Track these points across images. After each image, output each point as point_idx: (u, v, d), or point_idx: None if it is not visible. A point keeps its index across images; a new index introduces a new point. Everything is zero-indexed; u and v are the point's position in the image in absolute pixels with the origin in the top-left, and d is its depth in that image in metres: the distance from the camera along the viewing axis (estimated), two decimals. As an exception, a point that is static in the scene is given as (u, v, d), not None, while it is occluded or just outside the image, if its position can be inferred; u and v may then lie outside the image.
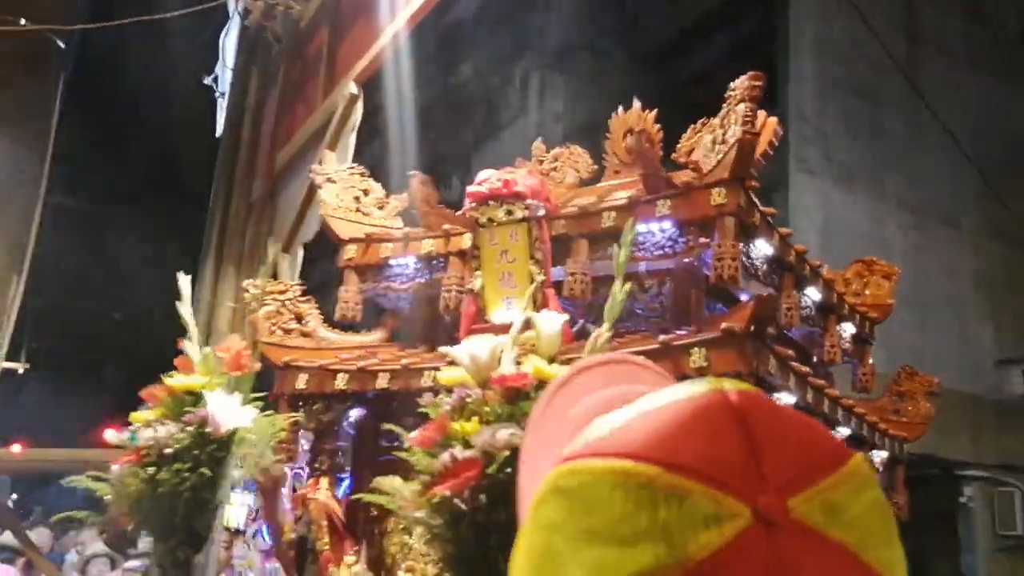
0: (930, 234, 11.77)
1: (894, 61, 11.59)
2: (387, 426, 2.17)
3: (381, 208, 3.22)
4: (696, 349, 2.20)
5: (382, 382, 2.74)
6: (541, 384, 1.77)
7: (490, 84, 14.83)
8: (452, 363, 2.61)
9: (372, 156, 13.55)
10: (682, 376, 2.20)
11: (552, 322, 1.94)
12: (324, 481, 2.87)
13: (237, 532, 7.53)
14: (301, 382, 2.89)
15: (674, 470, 0.51)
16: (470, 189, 2.71)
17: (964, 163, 11.30)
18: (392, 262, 3.03)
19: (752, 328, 2.14)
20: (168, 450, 2.08)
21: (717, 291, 2.68)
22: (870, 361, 3.48)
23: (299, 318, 3.08)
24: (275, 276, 3.88)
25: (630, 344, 2.55)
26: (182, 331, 2.42)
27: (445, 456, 1.76)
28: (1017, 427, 10.85)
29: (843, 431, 2.82)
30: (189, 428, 2.11)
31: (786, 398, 2.36)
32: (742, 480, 0.52)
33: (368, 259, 3.07)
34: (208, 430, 2.12)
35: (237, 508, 7.35)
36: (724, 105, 2.49)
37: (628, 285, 2.11)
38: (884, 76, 11.68)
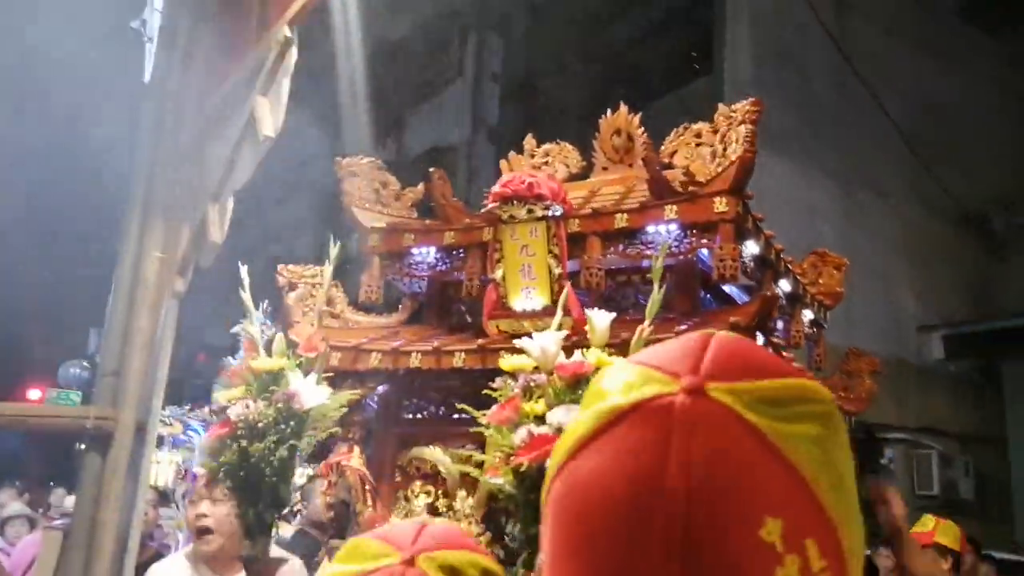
0: (858, 202, 12.51)
1: (826, 31, 12.28)
2: (461, 406, 2.61)
3: (398, 199, 3.65)
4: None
5: (415, 361, 3.19)
6: (598, 371, 2.25)
7: (428, 41, 15.09)
8: (483, 347, 3.10)
9: (309, 105, 13.73)
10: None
11: (603, 318, 2.41)
12: (356, 449, 3.31)
13: (165, 492, 7.70)
14: (335, 360, 3.32)
15: (640, 362, 0.75)
16: (495, 189, 3.16)
17: (892, 133, 12.07)
18: (414, 250, 3.47)
19: (756, 322, 2.67)
20: (260, 424, 2.51)
21: (707, 284, 3.21)
22: (823, 343, 4.08)
23: (328, 301, 3.51)
24: (202, 229, 4.01)
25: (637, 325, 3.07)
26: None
27: (522, 432, 2.23)
28: (936, 391, 11.76)
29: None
30: (279, 405, 2.55)
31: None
32: (681, 368, 0.69)
33: (391, 247, 3.50)
34: (295, 407, 2.56)
35: (164, 466, 7.56)
36: (724, 123, 2.99)
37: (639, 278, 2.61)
38: (817, 46, 12.35)
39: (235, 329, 8.70)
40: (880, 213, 12.76)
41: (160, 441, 7.45)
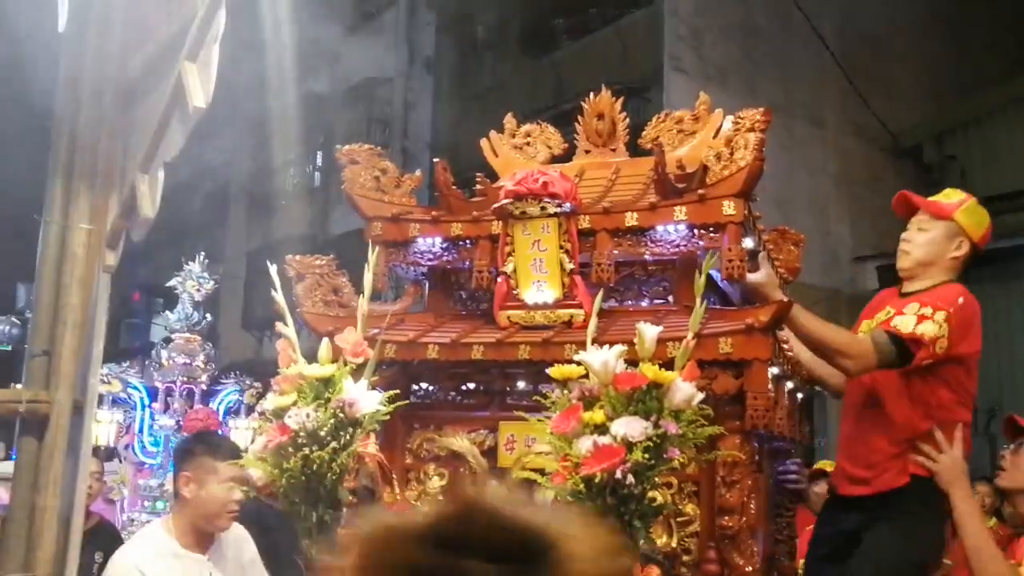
0: (796, 133, 12.86)
1: (766, -40, 12.46)
2: (537, 398, 2.77)
3: (398, 187, 3.77)
4: (724, 338, 2.95)
5: (432, 353, 3.37)
6: (654, 384, 2.46)
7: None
8: (501, 341, 3.28)
9: (235, 42, 13.47)
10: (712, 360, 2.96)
11: (651, 331, 2.61)
12: (372, 436, 3.48)
13: (108, 449, 7.84)
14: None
15: None
16: (509, 186, 3.31)
17: (830, 64, 12.38)
18: (419, 239, 3.62)
19: (771, 325, 2.91)
20: (322, 432, 2.67)
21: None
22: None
23: (335, 290, 3.64)
24: (132, 200, 3.99)
25: (640, 316, 3.29)
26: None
27: (587, 442, 2.44)
28: (870, 319, 12.31)
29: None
30: (340, 413, 2.71)
31: (775, 369, 3.17)
32: None
33: (395, 236, 3.64)
34: (356, 415, 2.73)
35: (105, 425, 7.68)
36: (732, 127, 3.19)
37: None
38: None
39: (172, 282, 8.71)
40: (817, 144, 13.13)
41: (99, 400, 7.54)
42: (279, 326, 3.01)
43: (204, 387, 8.07)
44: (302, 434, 2.67)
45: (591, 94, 4.09)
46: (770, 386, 3.10)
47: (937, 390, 3.24)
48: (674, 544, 3.05)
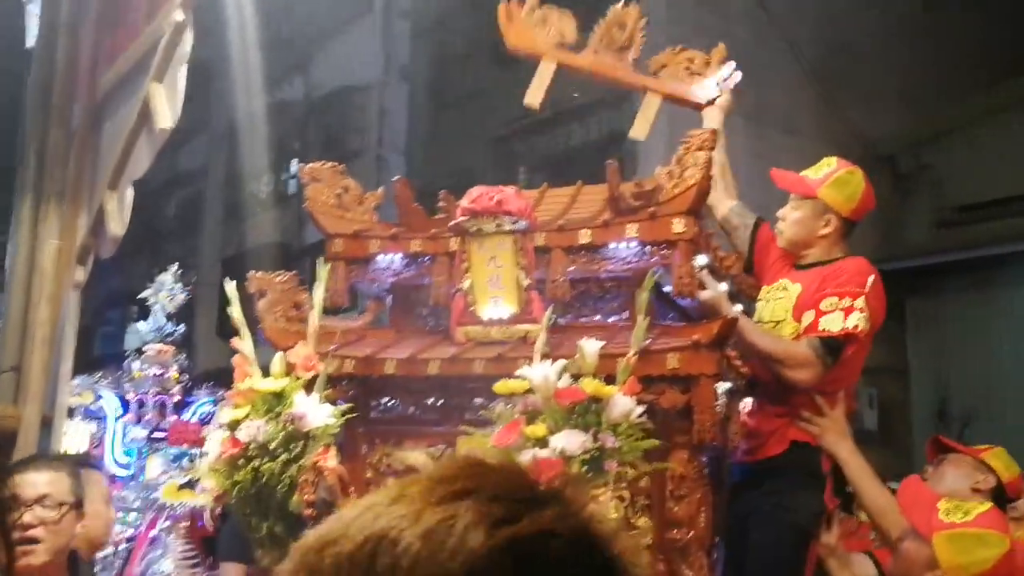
0: (769, 142, 13.00)
1: (741, -31, 12.62)
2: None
3: (360, 203, 3.87)
4: (671, 354, 3.05)
5: (389, 368, 3.46)
6: (594, 398, 2.57)
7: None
8: (457, 356, 3.38)
9: (207, 54, 13.52)
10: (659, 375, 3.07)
11: (592, 346, 2.72)
12: (332, 449, 3.57)
13: None
14: (308, 365, 3.56)
15: None
16: (465, 204, 3.41)
17: (803, 73, 12.53)
18: (379, 256, 3.71)
19: (716, 341, 3.01)
20: (272, 445, 2.77)
21: (659, 292, 3.54)
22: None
23: (296, 306, 3.73)
24: (101, 218, 3.93)
25: (594, 332, 3.40)
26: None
27: (527, 456, 2.54)
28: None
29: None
30: (290, 426, 2.81)
31: (726, 384, 3.27)
32: None
33: (356, 252, 3.73)
34: (305, 429, 2.83)
35: (76, 438, 7.71)
36: (682, 147, 3.30)
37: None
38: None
39: (145, 294, 8.74)
40: (792, 152, 13.23)
41: (71, 412, 7.60)
42: (235, 341, 3.11)
43: (177, 398, 8.11)
44: (253, 446, 2.77)
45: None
46: (721, 400, 3.21)
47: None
48: (626, 556, 3.13)
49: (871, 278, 3.31)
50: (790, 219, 3.51)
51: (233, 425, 2.85)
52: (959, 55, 13.53)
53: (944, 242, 11.91)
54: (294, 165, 17.16)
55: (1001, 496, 3.34)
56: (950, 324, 11.81)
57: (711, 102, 3.79)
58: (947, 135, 12.86)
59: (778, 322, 3.43)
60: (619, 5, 4.10)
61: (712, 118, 3.81)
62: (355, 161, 15.87)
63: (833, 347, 3.19)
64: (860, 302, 3.19)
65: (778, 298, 3.45)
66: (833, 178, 3.44)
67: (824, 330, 3.19)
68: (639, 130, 4.00)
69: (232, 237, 17.56)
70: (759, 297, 3.66)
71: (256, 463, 2.77)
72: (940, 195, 12.65)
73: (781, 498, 3.31)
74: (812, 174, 3.50)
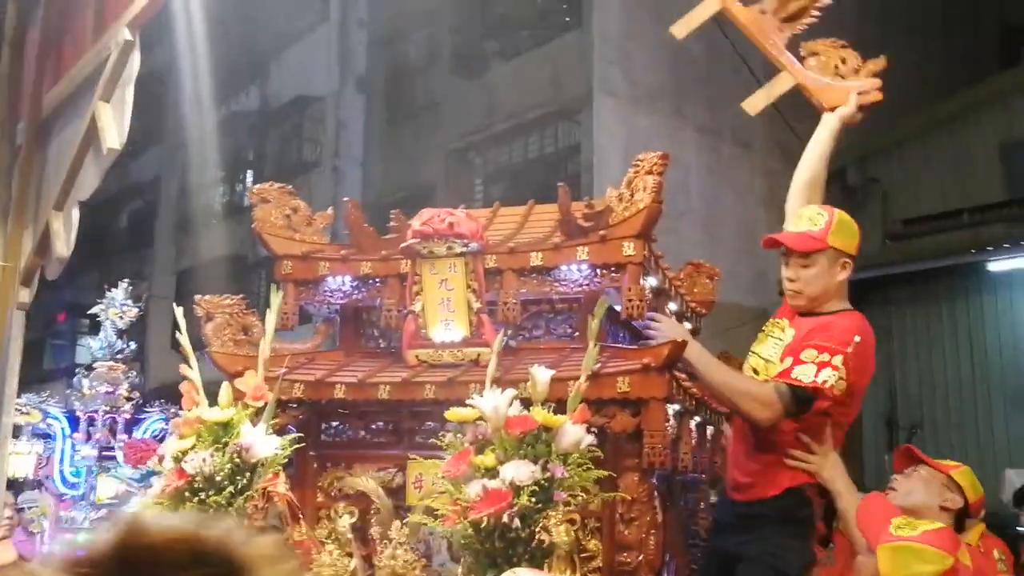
0: (724, 155, 13.11)
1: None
2: (433, 441, 2.82)
3: (309, 224, 3.82)
4: (622, 377, 3.03)
5: (339, 393, 3.41)
6: (545, 428, 2.53)
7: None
8: (407, 380, 3.33)
9: (162, 64, 13.37)
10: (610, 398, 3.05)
11: (544, 375, 2.68)
12: (282, 475, 3.51)
13: (32, 481, 7.70)
14: (256, 389, 3.50)
15: None
16: (416, 227, 3.37)
17: (756, 87, 12.63)
18: (329, 278, 3.66)
19: (666, 364, 3.00)
20: (218, 477, 2.70)
21: (613, 315, 3.52)
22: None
23: (245, 330, 3.67)
24: (47, 238, 3.87)
25: (546, 353, 3.37)
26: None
27: (477, 486, 2.50)
28: (796, 338, 12.55)
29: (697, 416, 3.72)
30: (236, 459, 2.74)
31: (676, 405, 3.25)
32: None
33: (305, 274, 3.68)
34: (252, 460, 2.76)
35: (25, 457, 7.56)
36: (631, 170, 3.28)
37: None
38: (686, 1, 12.73)
39: (95, 310, 8.57)
40: (745, 166, 13.37)
41: (18, 431, 7.45)
42: (183, 368, 3.04)
43: (128, 416, 7.97)
44: (199, 478, 2.70)
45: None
46: (671, 423, 3.19)
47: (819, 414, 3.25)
48: (577, 580, 3.11)
49: (857, 338, 3.18)
50: (805, 277, 3.27)
51: (178, 457, 2.78)
52: (905, 72, 13.70)
53: (891, 254, 12.06)
54: (250, 176, 17.02)
55: (963, 515, 3.32)
56: (897, 334, 11.94)
57: (832, 109, 3.70)
58: (894, 149, 13.05)
59: (768, 361, 3.35)
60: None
61: (827, 123, 3.70)
62: (311, 172, 15.78)
63: (801, 397, 3.07)
64: (838, 360, 3.07)
65: (776, 338, 3.36)
66: (834, 225, 3.31)
67: (796, 378, 3.07)
68: (755, 103, 3.96)
69: (186, 249, 17.36)
70: (763, 327, 3.54)
71: (202, 495, 2.69)
72: (887, 208, 12.83)
73: (772, 547, 3.19)
74: (810, 226, 3.34)
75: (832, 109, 3.69)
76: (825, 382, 3.03)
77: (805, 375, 3.05)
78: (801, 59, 3.79)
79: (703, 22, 3.97)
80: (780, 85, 3.87)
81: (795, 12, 3.82)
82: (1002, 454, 10.94)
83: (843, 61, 3.78)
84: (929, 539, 2.53)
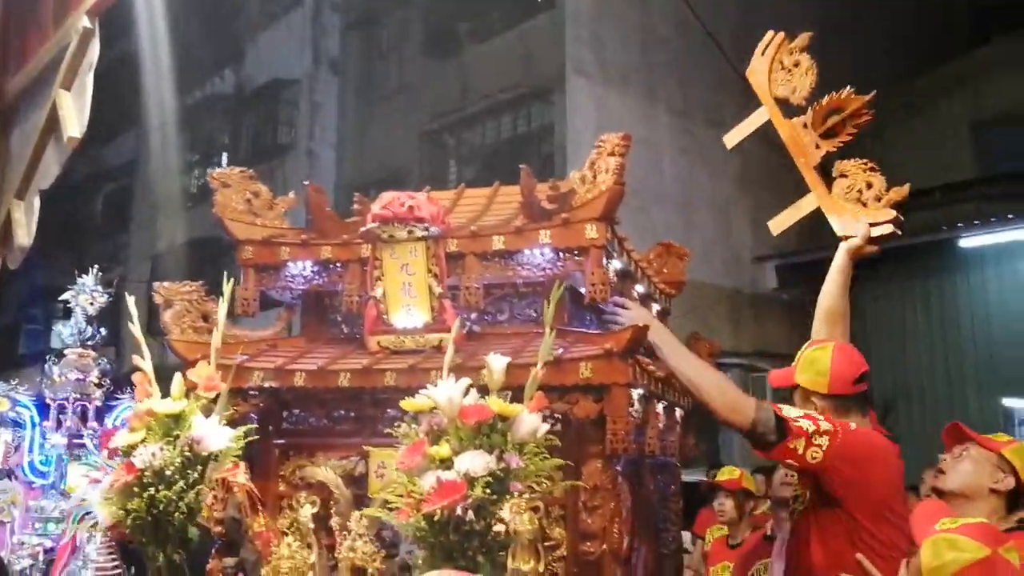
0: (696, 136, 13.03)
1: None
2: (390, 430, 2.72)
3: (271, 209, 3.71)
4: (584, 363, 2.96)
5: (299, 380, 3.32)
6: (500, 417, 2.45)
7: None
8: (368, 368, 3.25)
9: (135, 48, 13.14)
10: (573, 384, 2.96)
11: (499, 362, 2.59)
12: (242, 465, 3.42)
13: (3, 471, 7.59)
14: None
15: None
16: (376, 211, 3.27)
17: (729, 67, 12.55)
18: (290, 263, 3.57)
19: (628, 349, 2.92)
20: (168, 471, 2.60)
21: (577, 299, 3.45)
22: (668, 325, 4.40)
23: (205, 317, 3.57)
24: (7, 228, 3.81)
25: (509, 338, 3.29)
26: None
27: (431, 478, 2.41)
28: (770, 318, 12.56)
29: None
30: (187, 452, 2.64)
31: (640, 390, 3.18)
32: None
33: (266, 259, 3.58)
34: (204, 453, 2.66)
35: None
36: (594, 151, 3.20)
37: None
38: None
39: (65, 296, 8.46)
40: (718, 147, 13.23)
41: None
42: (135, 358, 2.94)
43: (99, 403, 7.84)
44: (148, 472, 2.60)
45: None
46: (636, 408, 3.12)
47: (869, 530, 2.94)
48: (541, 569, 3.04)
49: (854, 425, 3.00)
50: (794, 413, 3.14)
51: (128, 450, 2.68)
52: (880, 51, 13.68)
53: (863, 232, 12.04)
54: (224, 159, 16.83)
55: (1016, 495, 3.14)
56: (870, 312, 11.94)
57: (846, 238, 3.57)
58: (868, 128, 13.00)
59: None
60: (848, 90, 3.87)
61: (839, 254, 3.56)
62: (286, 155, 15.61)
63: (779, 427, 2.89)
64: (825, 426, 2.87)
65: None
66: (801, 361, 3.17)
67: (780, 409, 2.90)
68: (781, 223, 3.92)
69: (162, 233, 17.17)
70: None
71: (151, 491, 2.59)
72: (861, 185, 12.80)
73: None
74: (795, 363, 3.23)
75: (846, 238, 3.58)
76: (799, 425, 2.83)
77: (790, 413, 2.88)
78: (832, 179, 3.73)
79: (750, 131, 4.04)
80: (805, 206, 3.84)
81: (832, 127, 3.78)
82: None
83: (868, 186, 3.66)
84: (966, 530, 2.46)
